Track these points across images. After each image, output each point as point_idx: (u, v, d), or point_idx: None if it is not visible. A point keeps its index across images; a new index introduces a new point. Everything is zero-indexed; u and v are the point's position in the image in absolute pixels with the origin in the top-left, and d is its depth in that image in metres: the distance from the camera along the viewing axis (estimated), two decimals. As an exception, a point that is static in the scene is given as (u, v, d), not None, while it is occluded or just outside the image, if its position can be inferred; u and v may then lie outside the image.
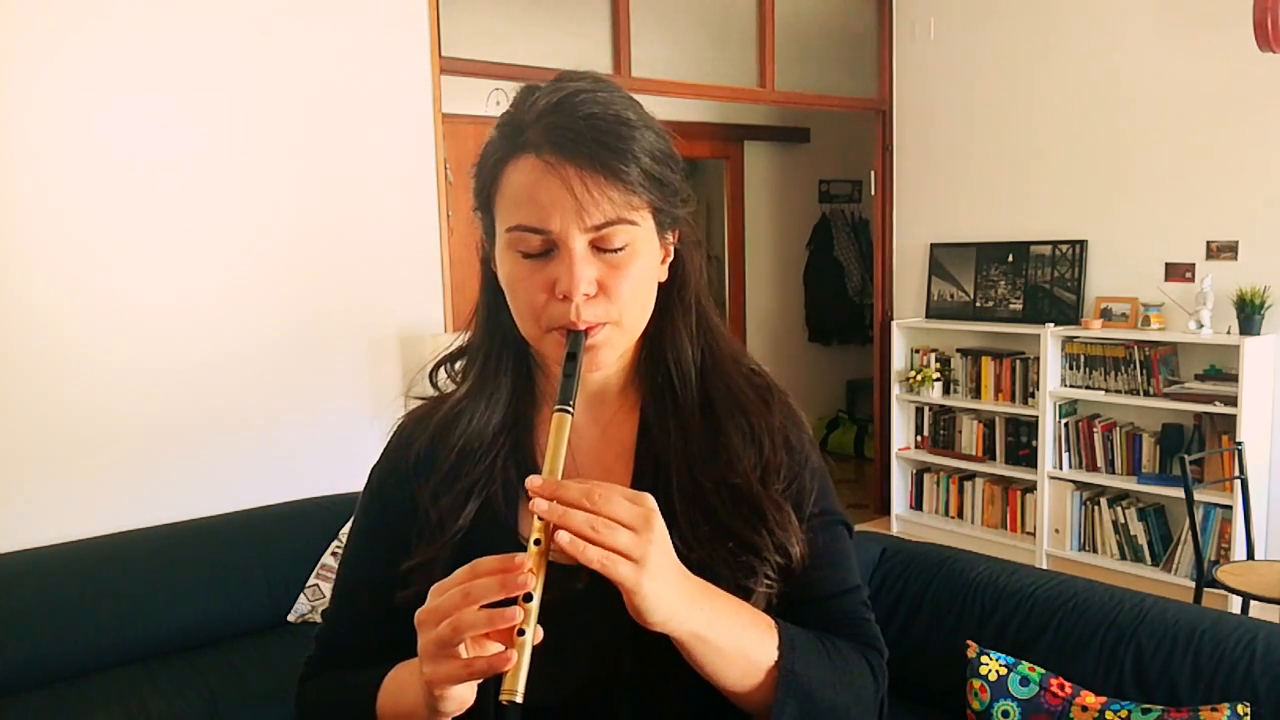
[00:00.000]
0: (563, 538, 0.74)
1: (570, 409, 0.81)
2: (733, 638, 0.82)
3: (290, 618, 3.02)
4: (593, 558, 0.73)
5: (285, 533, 3.08)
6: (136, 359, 3.00)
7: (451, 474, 0.93)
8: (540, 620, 0.73)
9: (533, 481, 0.76)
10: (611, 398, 0.97)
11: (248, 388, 3.21)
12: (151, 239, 3.01)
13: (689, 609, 0.79)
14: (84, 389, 2.91)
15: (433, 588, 0.76)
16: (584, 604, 0.82)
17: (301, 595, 3.04)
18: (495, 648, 0.73)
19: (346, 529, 3.24)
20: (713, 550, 0.88)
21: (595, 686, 0.88)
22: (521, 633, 0.72)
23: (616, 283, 0.85)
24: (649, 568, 0.75)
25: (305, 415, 3.34)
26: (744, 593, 0.87)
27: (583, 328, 0.84)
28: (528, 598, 0.73)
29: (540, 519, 0.75)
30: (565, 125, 0.83)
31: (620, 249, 0.85)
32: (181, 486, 3.08)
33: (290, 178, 3.26)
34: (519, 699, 0.71)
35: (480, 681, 0.76)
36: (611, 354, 0.89)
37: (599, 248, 0.84)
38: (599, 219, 0.83)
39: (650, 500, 0.78)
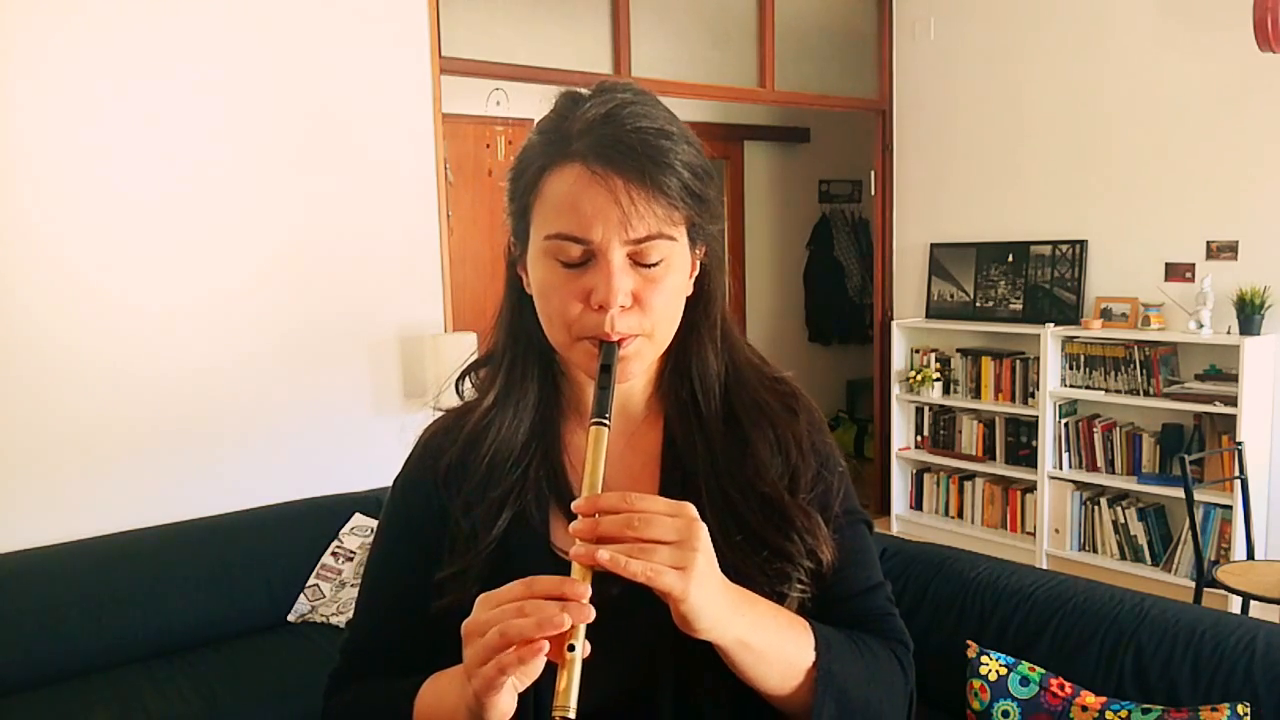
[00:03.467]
0: (603, 555, 0.74)
1: (607, 422, 0.81)
2: (773, 642, 0.83)
3: (290, 618, 3.02)
4: (635, 571, 0.73)
5: (285, 533, 3.08)
6: (136, 359, 3.00)
7: (483, 485, 0.93)
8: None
9: (576, 505, 0.77)
10: (636, 409, 0.97)
11: (248, 387, 3.21)
12: (152, 240, 3.01)
13: (732, 616, 0.80)
14: (85, 390, 2.91)
15: (481, 598, 0.76)
16: (620, 608, 0.82)
17: (301, 595, 3.04)
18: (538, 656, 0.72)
19: (346, 529, 3.26)
20: (746, 558, 0.88)
21: (635, 691, 0.88)
22: (571, 648, 0.72)
23: (651, 296, 0.86)
24: (695, 576, 0.75)
25: (305, 415, 3.34)
26: (778, 598, 0.88)
27: (616, 339, 0.85)
28: None
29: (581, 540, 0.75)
30: (616, 136, 0.83)
31: (657, 263, 0.85)
32: (181, 486, 3.08)
33: (290, 178, 3.26)
34: (572, 715, 0.71)
35: (521, 693, 0.76)
36: (640, 365, 0.89)
37: (636, 261, 0.85)
38: (641, 232, 0.83)
39: (691, 509, 0.78)
